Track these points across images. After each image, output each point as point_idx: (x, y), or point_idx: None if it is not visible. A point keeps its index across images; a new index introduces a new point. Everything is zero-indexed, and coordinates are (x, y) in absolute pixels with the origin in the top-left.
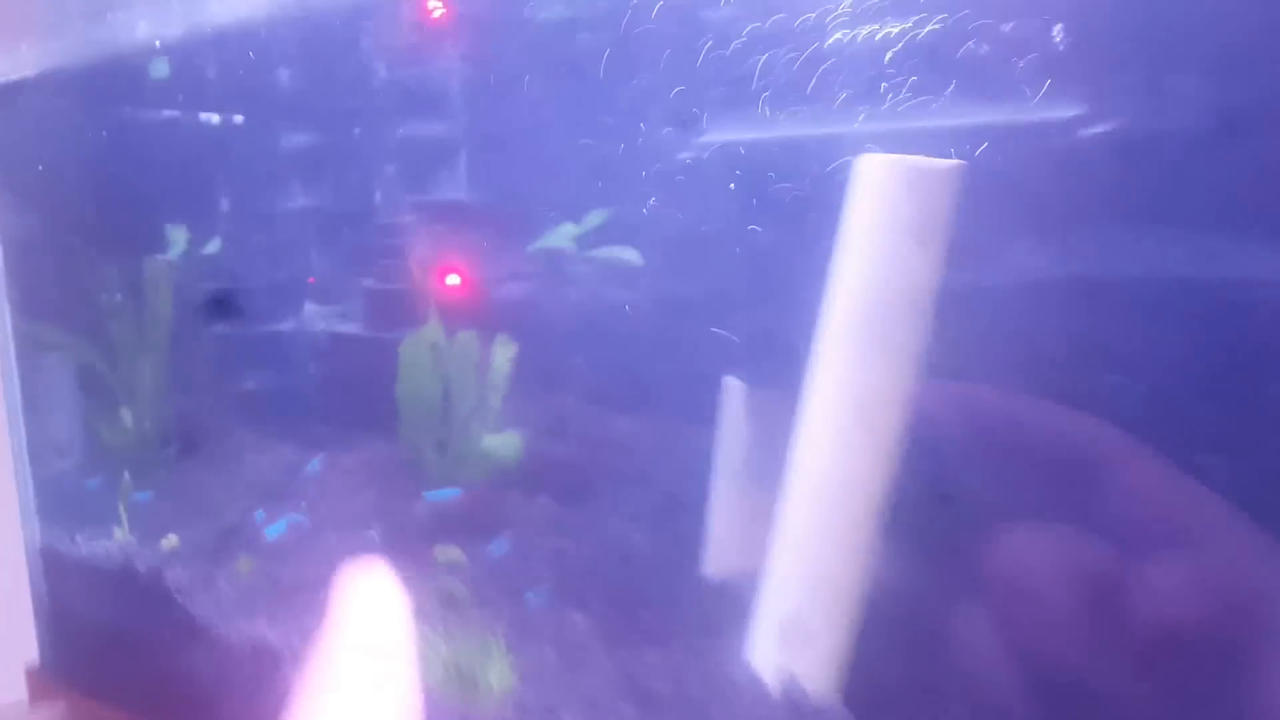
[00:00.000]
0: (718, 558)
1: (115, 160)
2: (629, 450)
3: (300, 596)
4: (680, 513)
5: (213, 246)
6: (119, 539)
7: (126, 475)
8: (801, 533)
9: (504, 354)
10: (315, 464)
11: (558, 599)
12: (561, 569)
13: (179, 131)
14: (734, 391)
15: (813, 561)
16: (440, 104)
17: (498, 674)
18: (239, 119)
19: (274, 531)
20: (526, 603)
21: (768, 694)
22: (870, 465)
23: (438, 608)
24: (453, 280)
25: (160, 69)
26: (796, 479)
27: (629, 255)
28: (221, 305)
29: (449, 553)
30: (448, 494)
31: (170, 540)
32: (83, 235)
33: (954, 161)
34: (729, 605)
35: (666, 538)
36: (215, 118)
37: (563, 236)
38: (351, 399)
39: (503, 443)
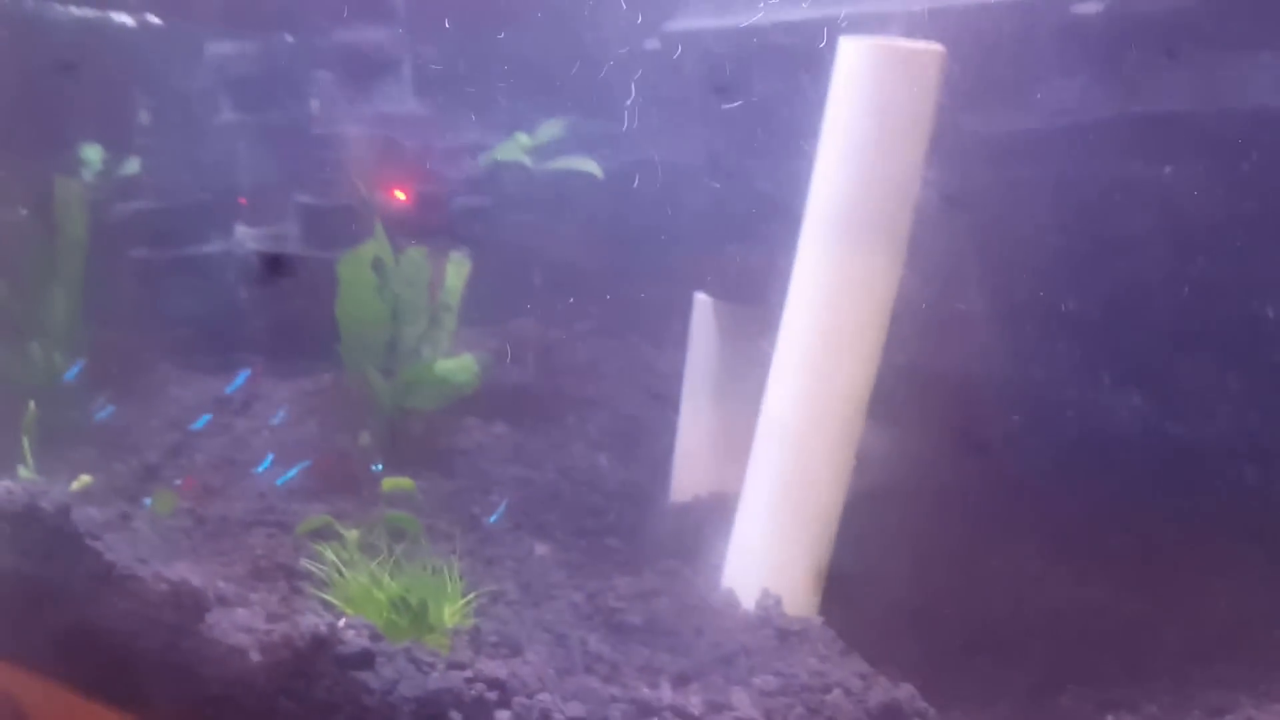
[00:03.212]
0: (686, 480)
1: (18, 65)
2: (592, 373)
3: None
4: (646, 436)
5: (131, 166)
6: (24, 478)
7: (32, 406)
8: (779, 451)
9: (457, 272)
10: (241, 378)
11: (519, 529)
12: (522, 498)
13: (92, 35)
14: (704, 307)
15: (791, 480)
16: (381, 3)
17: (451, 609)
18: (157, 20)
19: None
20: (484, 530)
21: (748, 618)
22: (855, 367)
23: (385, 540)
24: (399, 194)
25: None
26: (776, 389)
27: (588, 167)
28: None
29: (398, 483)
30: (293, 473)
31: (83, 480)
32: None
33: (935, 45)
34: (698, 528)
35: (632, 462)
36: (130, 20)
37: (517, 148)
38: (288, 325)
39: (458, 367)
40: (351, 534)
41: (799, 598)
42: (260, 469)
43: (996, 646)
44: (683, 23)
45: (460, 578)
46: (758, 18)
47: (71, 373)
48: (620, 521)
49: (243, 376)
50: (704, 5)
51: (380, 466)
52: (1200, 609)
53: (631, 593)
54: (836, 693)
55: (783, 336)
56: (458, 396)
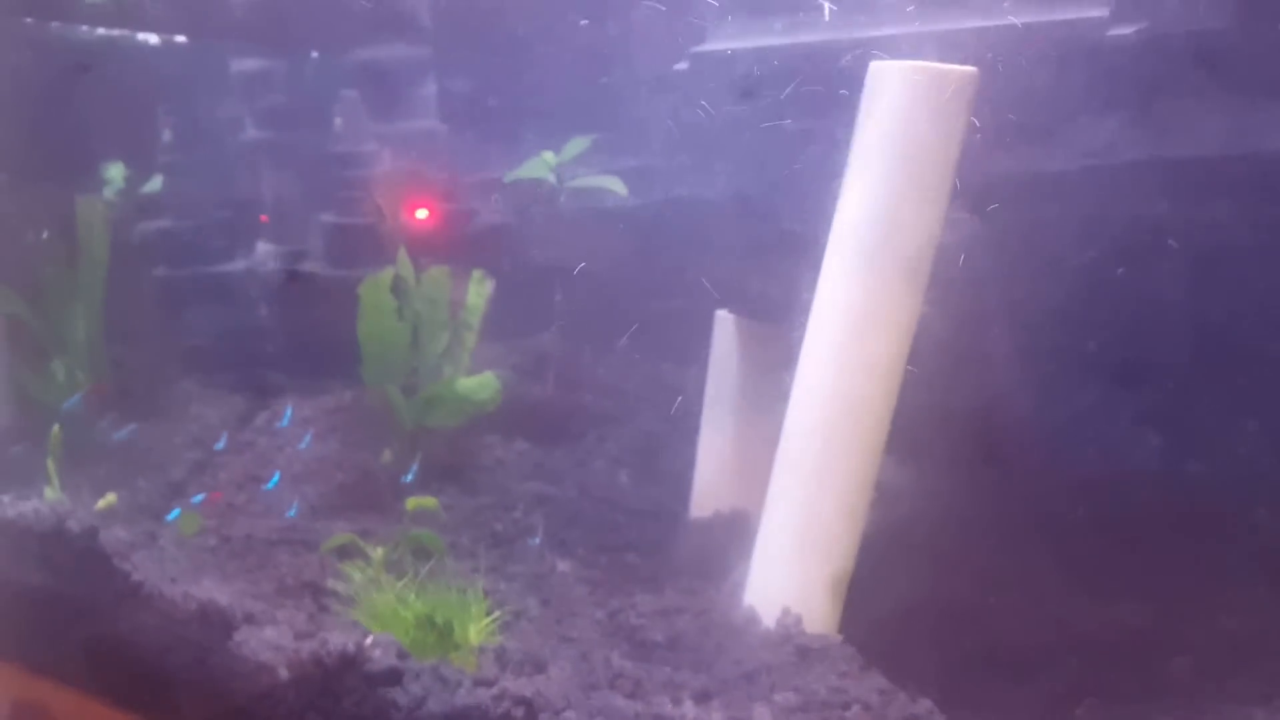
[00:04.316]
0: (706, 496)
1: (42, 86)
2: (616, 390)
3: (253, 556)
4: (667, 452)
5: (154, 184)
6: (50, 498)
7: (56, 428)
8: (802, 469)
9: (479, 291)
10: (289, 414)
11: (541, 546)
12: (543, 515)
13: (116, 54)
14: (725, 324)
15: (814, 498)
16: (408, 21)
17: (476, 627)
18: (181, 39)
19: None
20: (507, 546)
21: (769, 636)
22: (876, 389)
23: (409, 558)
24: (422, 213)
25: None
26: (798, 410)
27: (613, 185)
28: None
29: (422, 501)
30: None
31: (108, 499)
32: (6, 171)
33: (968, 68)
34: (719, 545)
35: (653, 478)
36: (154, 39)
37: (542, 165)
38: (311, 343)
39: (479, 385)
40: (377, 552)
41: (819, 615)
42: (269, 486)
43: (1014, 662)
44: (713, 44)
45: (484, 595)
46: (787, 39)
47: (71, 401)
48: (641, 538)
49: (289, 412)
50: (734, 27)
51: (411, 476)
52: (1214, 625)
53: (653, 610)
54: (856, 709)
55: (804, 357)
56: (479, 414)
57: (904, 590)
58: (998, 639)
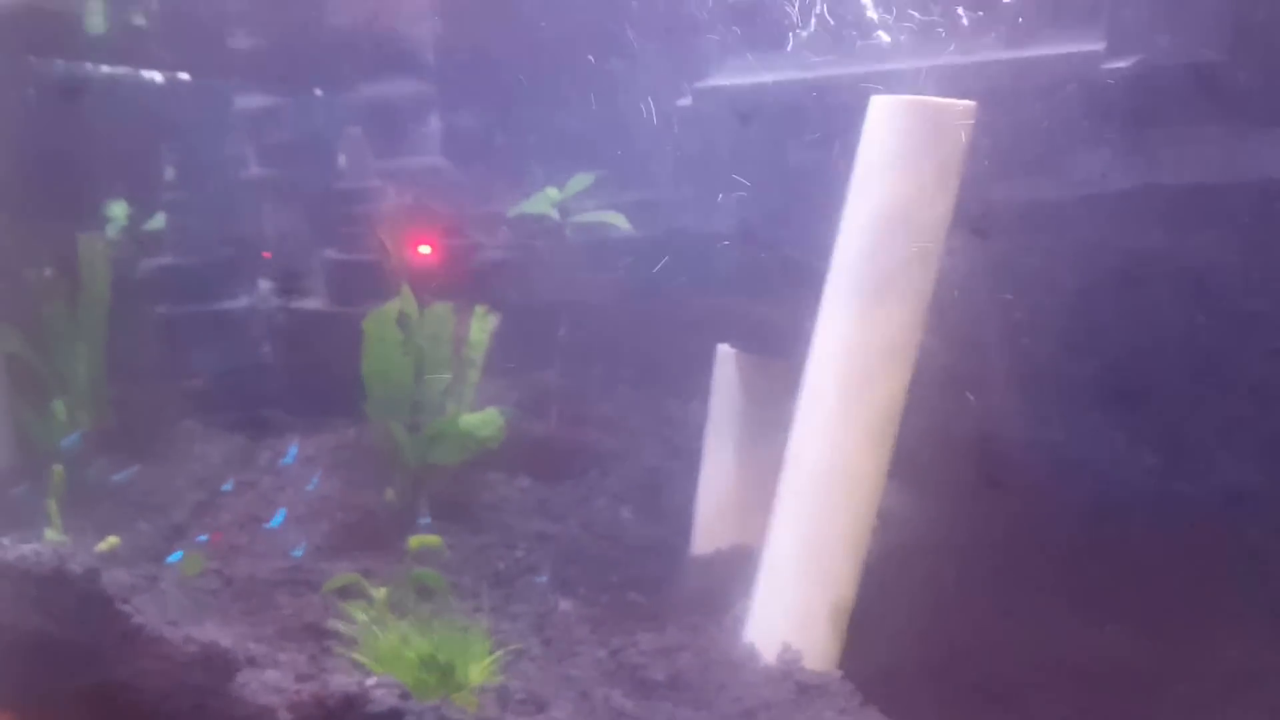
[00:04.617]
0: (708, 533)
1: (44, 124)
2: (619, 426)
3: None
4: (669, 489)
5: (156, 222)
6: (51, 539)
7: (58, 469)
8: (803, 505)
9: (482, 327)
10: (293, 452)
11: (543, 584)
12: (545, 553)
13: (120, 92)
14: (727, 359)
15: (814, 534)
16: (412, 58)
17: (478, 666)
18: (185, 77)
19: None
20: (509, 585)
21: (769, 672)
22: (877, 424)
23: (412, 597)
24: (425, 249)
25: (96, 21)
26: (798, 447)
27: (617, 220)
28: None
29: (425, 540)
30: (301, 551)
31: (110, 541)
32: (7, 210)
33: (966, 101)
34: (721, 582)
35: (654, 515)
36: (159, 77)
37: (545, 201)
38: (314, 380)
39: (482, 421)
40: (379, 592)
41: (820, 652)
42: (273, 524)
43: (1011, 698)
44: (715, 80)
45: (487, 634)
46: (788, 74)
47: (69, 440)
48: (643, 575)
49: (293, 450)
50: (737, 63)
51: (427, 519)
52: (1210, 662)
53: (654, 648)
54: None
55: (806, 390)
56: (482, 450)
57: (904, 627)
58: (997, 675)
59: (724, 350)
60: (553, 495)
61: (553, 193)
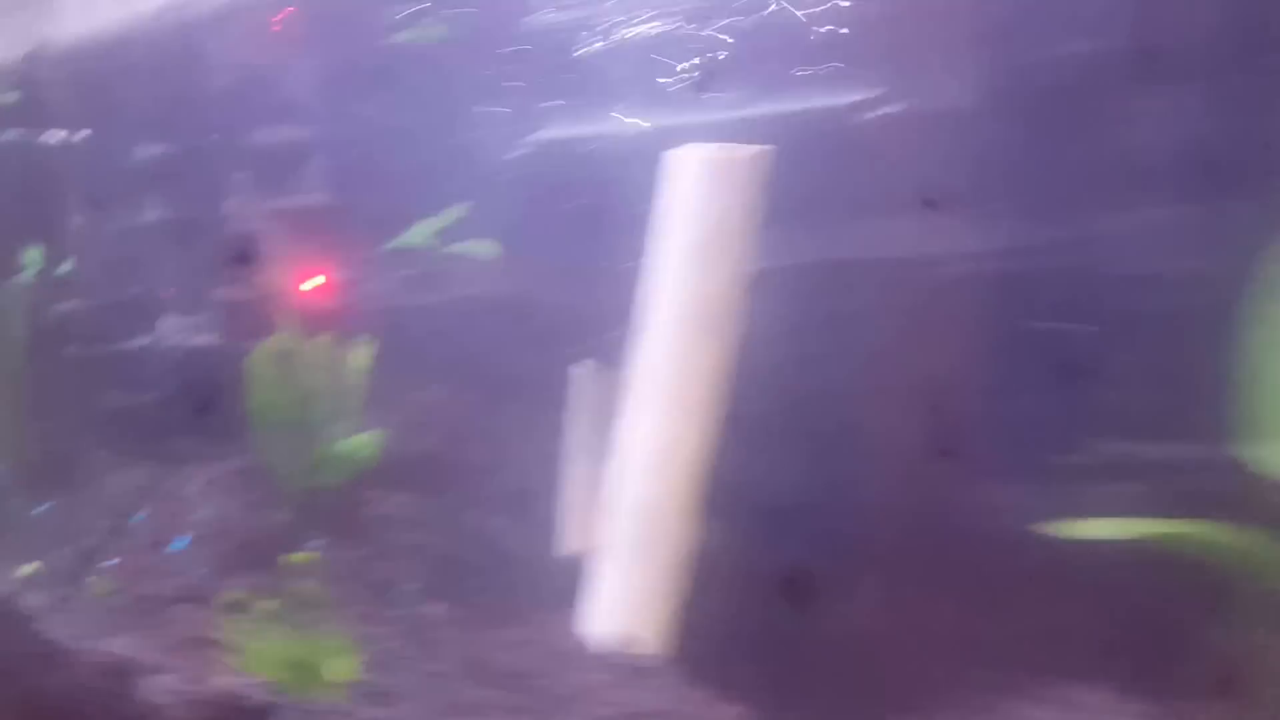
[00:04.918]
0: (569, 535)
1: None
2: (490, 441)
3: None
4: (539, 497)
5: (65, 267)
6: None
7: None
8: (629, 503)
9: (361, 355)
10: (140, 517)
11: (418, 592)
12: (419, 562)
13: (24, 151)
14: (579, 377)
15: (640, 531)
16: (291, 108)
17: (340, 665)
18: (86, 133)
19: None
20: (387, 594)
21: (604, 659)
22: (695, 437)
23: (293, 608)
24: (309, 284)
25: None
26: (624, 455)
27: (487, 249)
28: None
29: (305, 556)
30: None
31: (32, 566)
32: None
33: (761, 146)
34: (575, 580)
35: (524, 522)
36: (61, 133)
37: (420, 234)
38: (210, 412)
39: (359, 445)
40: (263, 605)
41: (652, 637)
42: (174, 547)
43: (841, 674)
44: (549, 132)
45: (356, 638)
46: (604, 127)
47: None
48: (509, 580)
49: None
50: (574, 114)
51: (314, 538)
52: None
53: (509, 643)
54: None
55: (628, 405)
56: (362, 470)
57: (735, 607)
58: (829, 650)
59: (574, 369)
60: (430, 508)
61: (427, 225)
